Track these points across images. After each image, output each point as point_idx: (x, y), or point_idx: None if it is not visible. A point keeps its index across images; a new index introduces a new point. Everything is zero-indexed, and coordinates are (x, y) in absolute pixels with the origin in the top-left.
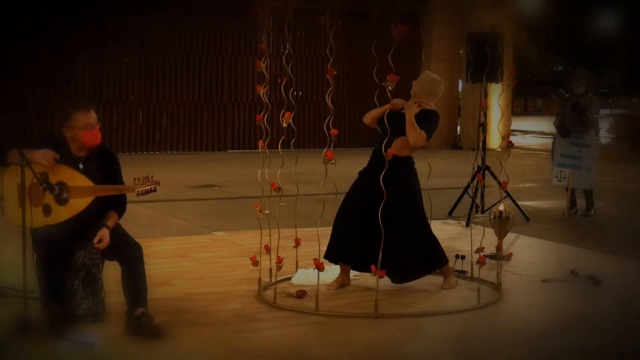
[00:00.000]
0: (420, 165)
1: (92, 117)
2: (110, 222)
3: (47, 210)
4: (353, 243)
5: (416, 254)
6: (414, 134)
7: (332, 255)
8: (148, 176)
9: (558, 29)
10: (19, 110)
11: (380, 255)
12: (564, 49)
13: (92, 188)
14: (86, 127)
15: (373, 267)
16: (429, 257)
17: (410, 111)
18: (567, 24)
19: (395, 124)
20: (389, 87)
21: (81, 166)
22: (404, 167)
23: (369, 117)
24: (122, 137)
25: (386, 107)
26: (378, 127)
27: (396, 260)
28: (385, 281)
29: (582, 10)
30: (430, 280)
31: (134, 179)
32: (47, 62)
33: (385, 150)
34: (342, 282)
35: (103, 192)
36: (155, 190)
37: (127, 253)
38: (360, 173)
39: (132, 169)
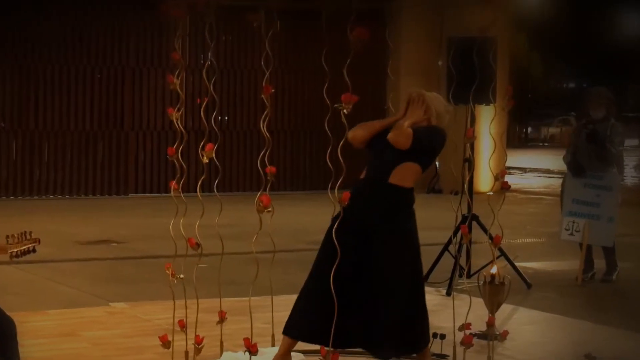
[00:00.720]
0: None
1: None
2: None
3: None
4: (320, 312)
5: (398, 325)
6: (399, 128)
7: (295, 330)
8: (24, 232)
9: (569, 33)
10: None
11: (344, 325)
12: (577, 59)
13: None
14: None
15: (323, 350)
16: (415, 333)
17: (414, 114)
18: (581, 27)
19: (385, 144)
20: (344, 111)
21: None
22: (403, 204)
23: (369, 130)
24: None
25: (412, 121)
26: (369, 149)
27: (372, 328)
28: None
29: (600, 8)
30: None
31: (7, 237)
32: None
33: (378, 180)
34: None
35: None
36: (34, 250)
37: None
38: (334, 219)
39: (1, 220)
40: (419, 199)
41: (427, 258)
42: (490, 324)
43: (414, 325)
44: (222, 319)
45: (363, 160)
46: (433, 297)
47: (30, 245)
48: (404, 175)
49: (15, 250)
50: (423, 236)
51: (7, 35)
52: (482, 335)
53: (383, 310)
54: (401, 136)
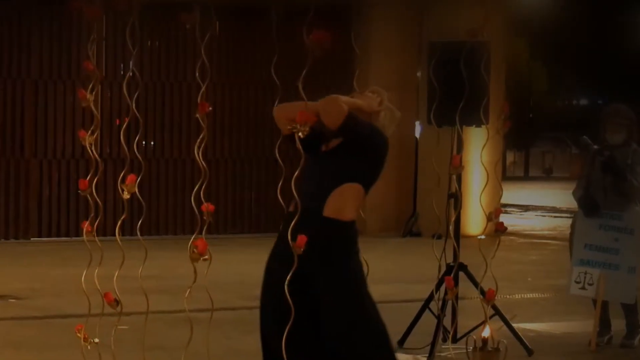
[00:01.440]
0: None
1: None
2: None
3: None
4: None
5: None
6: (333, 98)
7: None
8: None
9: (580, 39)
10: None
11: None
12: (591, 70)
13: None
14: None
15: None
16: None
17: (364, 98)
18: (596, 30)
19: (324, 158)
20: (300, 134)
21: None
22: (341, 242)
23: (289, 110)
24: None
25: (356, 102)
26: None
27: None
28: None
29: (620, 8)
30: None
31: None
32: None
33: (310, 212)
34: None
35: None
36: None
37: None
38: (267, 264)
39: None
40: (392, 244)
41: (403, 317)
42: None
43: None
44: None
45: None
46: None
47: None
48: (342, 203)
49: None
50: (398, 291)
51: None
52: None
53: None
54: (332, 106)
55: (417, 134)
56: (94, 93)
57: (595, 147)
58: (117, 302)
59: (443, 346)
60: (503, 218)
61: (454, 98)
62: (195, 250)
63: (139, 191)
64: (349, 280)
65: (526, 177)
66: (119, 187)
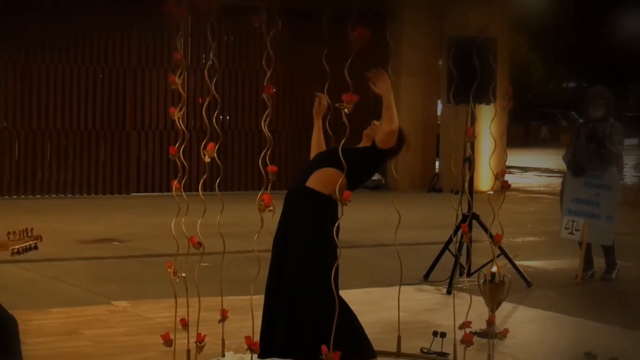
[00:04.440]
0: (388, 213)
1: None
2: None
3: None
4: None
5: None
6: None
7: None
8: (26, 229)
9: (570, 33)
10: None
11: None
12: (578, 59)
13: None
14: None
15: (324, 348)
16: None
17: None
18: (582, 27)
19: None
20: (345, 110)
21: None
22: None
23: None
24: None
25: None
26: None
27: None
28: None
29: (602, 8)
30: None
31: (8, 233)
32: None
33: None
34: None
35: None
36: (35, 247)
37: None
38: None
39: (4, 219)
40: (419, 198)
41: (427, 256)
42: (490, 322)
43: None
44: (223, 317)
45: None
46: (433, 296)
47: (31, 242)
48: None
49: (17, 247)
50: (423, 235)
51: (9, 35)
52: (482, 334)
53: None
54: (395, 127)
55: (439, 111)
56: (181, 78)
57: (581, 121)
58: (200, 244)
59: (459, 279)
60: (507, 177)
61: (468, 82)
62: (262, 202)
63: (217, 156)
64: (313, 246)
65: (526, 145)
66: (201, 153)
